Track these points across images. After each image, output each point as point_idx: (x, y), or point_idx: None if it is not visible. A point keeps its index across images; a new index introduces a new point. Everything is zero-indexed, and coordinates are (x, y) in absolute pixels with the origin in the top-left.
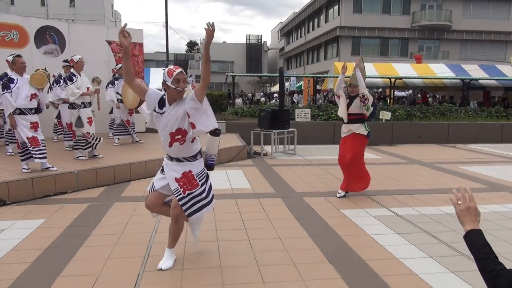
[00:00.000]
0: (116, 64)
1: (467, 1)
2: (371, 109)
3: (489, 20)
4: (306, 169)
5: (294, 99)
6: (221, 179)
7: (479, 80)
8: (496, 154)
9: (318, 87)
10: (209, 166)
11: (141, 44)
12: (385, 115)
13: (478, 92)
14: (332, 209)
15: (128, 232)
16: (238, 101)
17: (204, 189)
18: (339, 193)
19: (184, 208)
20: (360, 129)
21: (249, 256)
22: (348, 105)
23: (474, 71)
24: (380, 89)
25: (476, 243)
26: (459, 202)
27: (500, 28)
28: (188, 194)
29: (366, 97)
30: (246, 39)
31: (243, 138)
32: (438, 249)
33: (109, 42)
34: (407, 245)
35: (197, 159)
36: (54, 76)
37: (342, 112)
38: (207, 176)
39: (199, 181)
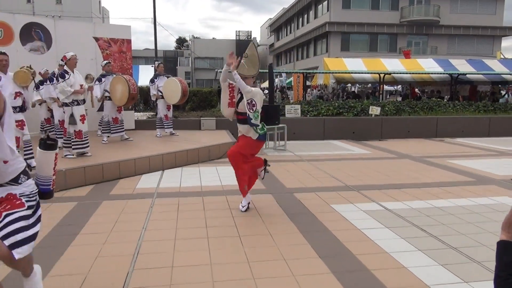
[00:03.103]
0: (103, 61)
1: None
2: (258, 118)
3: (476, 15)
4: (297, 164)
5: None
6: (212, 176)
7: (467, 75)
8: (484, 148)
9: (308, 82)
10: (43, 193)
11: (129, 41)
12: (375, 110)
13: (465, 87)
14: (323, 204)
15: (117, 230)
16: None
17: (32, 215)
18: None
19: (1, 235)
20: (250, 132)
21: (240, 252)
22: (238, 102)
23: (462, 65)
24: (370, 84)
25: (503, 256)
26: None
27: (487, 23)
28: (6, 216)
29: (253, 102)
30: (236, 35)
31: (233, 135)
32: (427, 243)
33: (97, 39)
34: (396, 239)
35: (20, 183)
36: (40, 73)
37: (223, 109)
38: (38, 204)
39: (26, 202)
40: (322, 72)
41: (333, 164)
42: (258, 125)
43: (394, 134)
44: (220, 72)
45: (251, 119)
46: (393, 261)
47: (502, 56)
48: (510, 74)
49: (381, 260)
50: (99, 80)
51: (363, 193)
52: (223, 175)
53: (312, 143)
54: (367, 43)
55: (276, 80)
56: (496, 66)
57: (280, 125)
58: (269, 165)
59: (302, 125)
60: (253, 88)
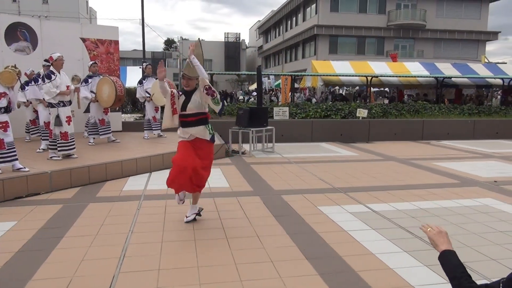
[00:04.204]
0: (90, 61)
1: (440, 1)
2: (220, 103)
3: (461, 19)
4: (284, 167)
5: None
6: None
7: (452, 78)
8: (468, 150)
9: (296, 85)
10: None
11: (116, 42)
12: (362, 112)
13: (451, 90)
14: (310, 206)
15: (103, 233)
16: None
17: None
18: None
19: None
20: (203, 132)
21: (227, 255)
22: (185, 104)
23: (447, 69)
24: (357, 87)
25: (451, 262)
26: (429, 230)
27: (472, 27)
28: None
29: (213, 88)
30: (225, 37)
31: (221, 137)
32: (412, 244)
33: (84, 40)
34: (382, 241)
35: None
36: (26, 74)
37: (167, 121)
38: None
39: None
40: (310, 75)
41: (321, 166)
42: (222, 110)
43: (381, 136)
44: (209, 73)
45: (205, 114)
46: (379, 262)
47: (486, 60)
48: (494, 78)
49: (367, 261)
50: (86, 81)
51: (350, 195)
52: (210, 177)
53: (300, 145)
54: (355, 46)
55: (265, 82)
56: (480, 70)
57: (268, 127)
58: (200, 215)
59: (290, 127)
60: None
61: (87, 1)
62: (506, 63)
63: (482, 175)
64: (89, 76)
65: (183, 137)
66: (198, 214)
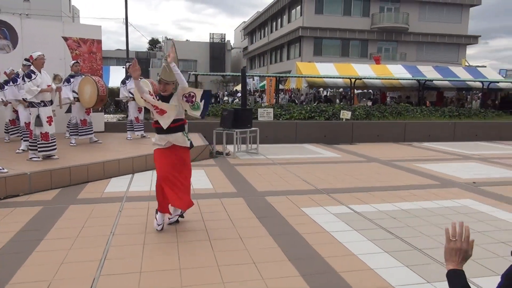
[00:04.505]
0: (72, 61)
1: (423, 4)
2: (201, 105)
3: (443, 23)
4: (268, 168)
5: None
6: None
7: (434, 81)
8: (449, 152)
9: (281, 86)
10: None
11: (99, 41)
12: (346, 114)
13: (432, 92)
14: (293, 207)
15: (84, 235)
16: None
17: None
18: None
19: None
20: (182, 139)
21: (209, 256)
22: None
23: (429, 72)
24: (341, 89)
25: (454, 283)
26: (453, 239)
27: (453, 31)
28: None
29: (192, 93)
30: (210, 38)
31: (205, 138)
32: (393, 244)
33: (66, 39)
34: (364, 241)
35: None
36: (5, 73)
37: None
38: None
39: None
40: (295, 76)
41: (304, 167)
42: (204, 112)
43: (364, 138)
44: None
45: (183, 120)
46: (361, 263)
47: (466, 64)
48: (474, 81)
49: (349, 262)
50: (68, 81)
51: (332, 196)
52: (194, 178)
53: (284, 146)
54: (339, 48)
55: (250, 83)
56: (461, 73)
57: (253, 128)
58: (183, 217)
59: (274, 128)
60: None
61: (69, 0)
62: (485, 66)
63: (461, 176)
64: (71, 76)
65: (159, 144)
66: (181, 215)
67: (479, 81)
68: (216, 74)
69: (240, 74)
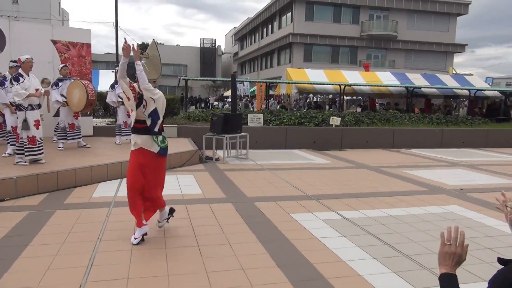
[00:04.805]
0: (60, 64)
1: (411, 13)
2: (149, 120)
3: (431, 32)
4: (258, 173)
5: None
6: (172, 184)
7: (422, 88)
8: (436, 159)
9: (271, 92)
10: None
11: (88, 45)
12: (335, 120)
13: (420, 100)
14: (282, 213)
15: (70, 241)
16: (192, 107)
17: None
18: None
19: None
20: (149, 143)
21: (198, 262)
22: (137, 106)
23: (417, 79)
24: (331, 95)
25: (446, 287)
26: (447, 243)
27: (441, 39)
28: None
29: (144, 104)
30: (200, 42)
31: (195, 143)
32: (381, 250)
33: (54, 42)
34: (353, 248)
35: None
36: None
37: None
38: None
39: None
40: (285, 82)
41: (294, 173)
42: (158, 134)
43: (353, 144)
44: (183, 79)
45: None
46: (349, 269)
47: (454, 72)
48: (461, 88)
49: (337, 268)
50: (56, 84)
51: (322, 202)
52: (183, 184)
53: (273, 152)
54: (329, 54)
55: (240, 88)
56: (448, 81)
57: (243, 133)
58: (173, 216)
59: (264, 134)
60: (156, 90)
61: (59, 2)
62: (472, 74)
63: (448, 183)
64: (60, 79)
65: (132, 144)
66: (171, 215)
67: (466, 89)
68: (206, 79)
69: (230, 79)
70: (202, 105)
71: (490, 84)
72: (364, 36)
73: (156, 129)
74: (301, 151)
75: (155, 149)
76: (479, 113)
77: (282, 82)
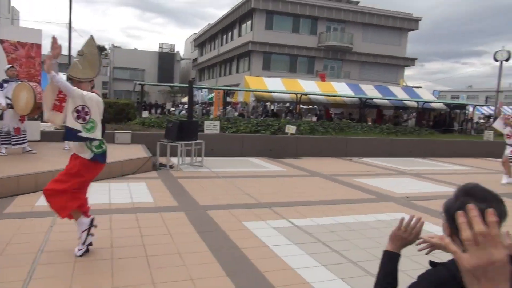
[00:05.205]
0: (7, 65)
1: (366, 26)
2: (93, 131)
3: (384, 45)
4: (212, 181)
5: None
6: (122, 192)
7: (374, 99)
8: (386, 167)
9: (229, 99)
10: None
11: (39, 46)
12: (291, 129)
13: (372, 110)
14: (235, 221)
15: (9, 253)
16: (145, 112)
17: None
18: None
19: None
20: (80, 149)
21: (145, 274)
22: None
23: (370, 90)
24: (288, 104)
25: (384, 265)
26: (402, 229)
27: (393, 53)
28: None
29: (86, 110)
30: (159, 47)
31: (149, 150)
32: (330, 258)
33: (1, 41)
34: (302, 255)
35: None
36: None
37: (46, 111)
38: None
39: None
40: (243, 90)
41: (249, 181)
42: (94, 139)
43: (308, 152)
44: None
45: (80, 131)
46: (298, 277)
47: (404, 84)
48: (410, 100)
49: (286, 276)
50: (1, 86)
51: (274, 210)
52: (134, 191)
53: (229, 159)
54: (287, 64)
55: (198, 95)
56: (399, 93)
57: (198, 140)
58: (96, 226)
59: (220, 141)
60: (85, 92)
61: (9, 0)
62: (421, 87)
63: (396, 191)
64: (5, 81)
65: (70, 148)
66: (92, 225)
67: (414, 100)
68: (163, 85)
69: (187, 85)
70: (159, 111)
71: (437, 96)
72: (322, 47)
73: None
74: (257, 159)
75: (88, 155)
76: (427, 124)
77: (240, 90)
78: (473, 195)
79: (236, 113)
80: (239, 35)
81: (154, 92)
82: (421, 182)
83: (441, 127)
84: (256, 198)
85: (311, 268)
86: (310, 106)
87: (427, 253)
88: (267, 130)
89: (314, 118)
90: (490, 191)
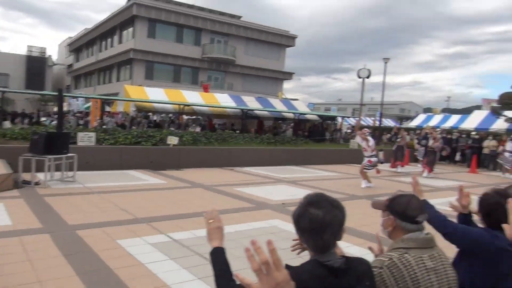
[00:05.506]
0: None
1: (248, 40)
2: None
3: (265, 59)
4: (85, 198)
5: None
6: None
7: (255, 111)
8: (265, 176)
9: (108, 109)
10: None
11: None
12: (173, 140)
13: (254, 121)
14: (108, 240)
15: None
16: (7, 123)
17: None
18: None
19: None
20: None
21: None
22: None
23: (251, 102)
24: (171, 115)
25: (220, 260)
26: (210, 221)
27: (273, 67)
28: None
29: None
30: (27, 50)
31: (10, 165)
32: (206, 270)
33: None
34: (179, 270)
35: None
36: None
37: None
38: None
39: None
40: (122, 100)
41: (126, 195)
42: None
43: (191, 163)
44: (0, 91)
45: None
46: None
47: (283, 96)
48: (287, 112)
49: None
50: None
51: (152, 225)
52: None
53: (107, 173)
54: (171, 73)
55: (73, 104)
56: (277, 105)
57: (70, 154)
58: None
59: (96, 154)
60: None
61: None
62: (298, 99)
63: (273, 198)
64: None
65: None
66: None
67: (291, 112)
68: (29, 92)
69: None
70: (26, 121)
71: (311, 108)
72: (206, 58)
73: None
74: (137, 172)
75: None
76: (302, 134)
77: (119, 100)
78: (313, 204)
79: (114, 124)
80: (120, 42)
81: (21, 100)
82: (296, 188)
83: (315, 136)
84: (133, 214)
85: (188, 282)
86: (194, 117)
87: (298, 254)
88: (148, 142)
89: (198, 129)
90: (329, 200)
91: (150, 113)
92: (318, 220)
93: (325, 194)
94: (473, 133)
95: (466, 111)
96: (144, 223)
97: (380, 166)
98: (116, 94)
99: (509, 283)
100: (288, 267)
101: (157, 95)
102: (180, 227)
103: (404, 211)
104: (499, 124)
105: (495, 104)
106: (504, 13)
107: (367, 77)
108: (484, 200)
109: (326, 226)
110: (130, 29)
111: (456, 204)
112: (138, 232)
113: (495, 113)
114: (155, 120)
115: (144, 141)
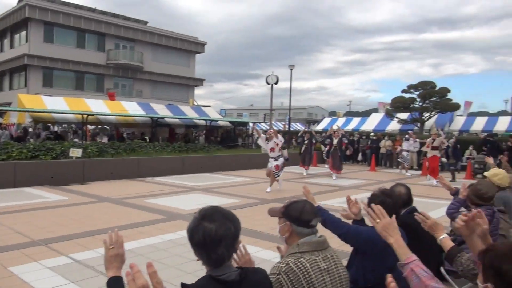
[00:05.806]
0: None
1: (155, 46)
2: None
3: (174, 65)
4: None
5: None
6: None
7: (165, 118)
8: (177, 185)
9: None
10: None
11: None
12: (76, 152)
13: (164, 129)
14: None
15: None
16: None
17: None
18: None
19: None
20: None
21: None
22: None
23: (162, 109)
24: (73, 125)
25: None
26: (111, 247)
27: (183, 73)
28: None
29: None
30: None
31: None
32: None
33: None
34: None
35: None
36: None
37: None
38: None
39: None
40: (15, 110)
41: (21, 216)
42: None
43: (97, 176)
44: None
45: None
46: None
47: (195, 103)
48: (199, 119)
49: None
50: None
51: (51, 246)
52: None
53: None
54: (73, 81)
55: None
56: (189, 112)
57: None
58: None
59: None
60: None
61: None
62: (210, 106)
63: (185, 208)
64: None
65: None
66: None
67: (203, 119)
68: None
69: None
70: None
71: (223, 115)
72: (111, 64)
73: None
74: (35, 189)
75: None
76: (215, 140)
77: (12, 110)
78: (206, 218)
79: (8, 138)
80: (12, 46)
81: None
82: (209, 196)
83: (228, 143)
84: (30, 236)
85: None
86: (100, 127)
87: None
88: (47, 155)
89: (105, 139)
90: (223, 213)
91: (49, 124)
92: (211, 235)
93: (220, 206)
94: (372, 134)
95: (365, 114)
96: (42, 245)
97: (287, 168)
98: (9, 104)
99: (395, 274)
100: (183, 285)
101: (57, 104)
102: (83, 246)
103: (299, 216)
104: (393, 125)
105: (389, 107)
106: (392, 25)
107: (275, 83)
108: (372, 200)
109: (220, 240)
110: (23, 33)
111: (348, 212)
112: (34, 256)
113: (389, 115)
114: (56, 132)
115: (43, 155)
